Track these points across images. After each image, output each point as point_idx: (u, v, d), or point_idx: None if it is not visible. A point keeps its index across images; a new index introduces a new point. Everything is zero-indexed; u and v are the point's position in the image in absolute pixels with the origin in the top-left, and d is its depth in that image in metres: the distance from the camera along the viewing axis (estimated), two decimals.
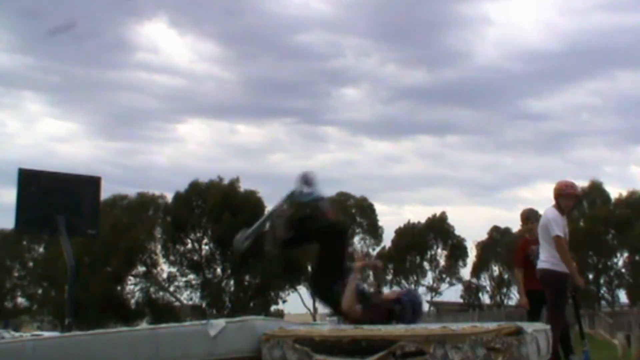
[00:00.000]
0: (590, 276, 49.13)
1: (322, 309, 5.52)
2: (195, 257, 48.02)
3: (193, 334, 4.05)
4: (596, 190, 48.76)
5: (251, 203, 46.66)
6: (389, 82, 76.90)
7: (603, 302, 49.55)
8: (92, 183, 10.37)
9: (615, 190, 57.90)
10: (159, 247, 48.26)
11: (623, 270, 49.43)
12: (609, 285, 49.66)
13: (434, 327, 3.39)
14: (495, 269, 60.36)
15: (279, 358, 3.56)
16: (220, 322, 3.98)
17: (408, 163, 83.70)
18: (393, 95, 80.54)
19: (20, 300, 58.37)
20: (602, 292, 50.01)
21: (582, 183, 49.34)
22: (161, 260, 48.32)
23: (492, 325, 3.24)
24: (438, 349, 3.19)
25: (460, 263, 58.80)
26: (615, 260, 49.35)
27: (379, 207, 64.28)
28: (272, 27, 75.34)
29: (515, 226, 61.59)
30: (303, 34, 80.00)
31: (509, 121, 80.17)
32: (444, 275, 58.86)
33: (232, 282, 48.48)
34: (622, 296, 50.70)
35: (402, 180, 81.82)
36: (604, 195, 48.65)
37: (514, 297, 60.59)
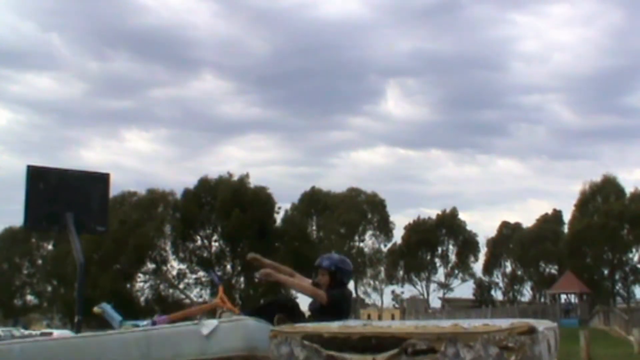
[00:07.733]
0: (605, 272, 48.61)
1: None
2: (205, 254, 47.81)
3: (185, 333, 4.07)
4: (610, 184, 48.10)
5: (261, 199, 46.32)
6: None
7: (618, 298, 49.07)
8: (101, 180, 10.14)
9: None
10: (169, 244, 48.04)
11: (638, 265, 48.85)
12: (624, 281, 49.09)
13: (446, 325, 3.34)
14: (508, 265, 59.93)
15: (286, 355, 3.46)
16: (213, 322, 4.03)
17: None
18: None
19: (30, 297, 58.44)
20: (617, 288, 49.50)
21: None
22: (171, 257, 48.15)
23: (504, 324, 3.21)
24: (449, 347, 3.15)
25: (472, 258, 58.34)
26: (630, 255, 48.77)
27: None
28: None
29: (526, 222, 61.34)
30: None
31: None
32: (455, 271, 58.44)
33: (242, 279, 48.22)
34: (638, 292, 50.32)
35: None
36: (619, 189, 47.98)
37: (526, 293, 60.25)
